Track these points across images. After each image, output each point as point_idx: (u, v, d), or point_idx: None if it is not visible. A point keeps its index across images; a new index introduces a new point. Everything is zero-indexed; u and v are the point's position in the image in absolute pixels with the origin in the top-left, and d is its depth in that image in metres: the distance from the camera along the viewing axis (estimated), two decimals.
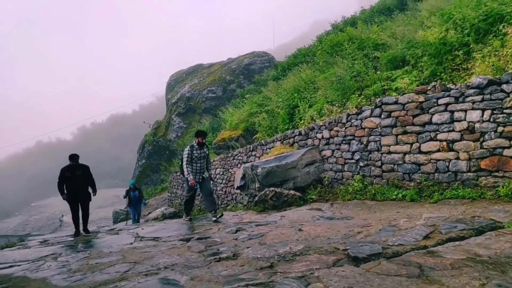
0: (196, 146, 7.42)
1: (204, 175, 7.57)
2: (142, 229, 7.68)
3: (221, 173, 12.89)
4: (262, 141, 11.02)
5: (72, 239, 7.66)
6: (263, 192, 8.01)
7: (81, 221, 8.06)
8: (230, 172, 12.09)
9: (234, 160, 12.08)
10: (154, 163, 27.30)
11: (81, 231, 8.02)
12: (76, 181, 7.69)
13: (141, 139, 31.86)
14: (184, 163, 7.35)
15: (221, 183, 12.77)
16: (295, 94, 11.81)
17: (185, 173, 7.32)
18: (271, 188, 7.95)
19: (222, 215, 7.60)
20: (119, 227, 10.24)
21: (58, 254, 5.57)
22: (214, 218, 7.38)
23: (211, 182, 8.34)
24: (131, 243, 5.91)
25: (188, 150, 7.37)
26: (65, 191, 7.74)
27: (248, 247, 4.27)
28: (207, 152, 7.63)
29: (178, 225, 7.67)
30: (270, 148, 10.16)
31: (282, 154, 8.84)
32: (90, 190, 8.11)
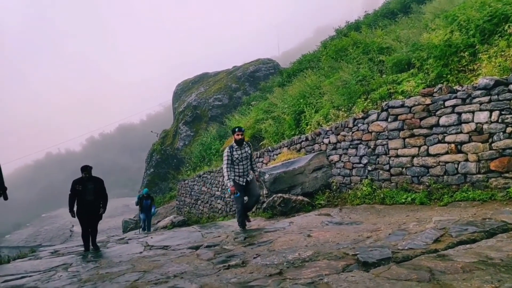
0: (236, 146, 6.59)
1: (248, 178, 6.76)
2: (152, 238, 7.71)
3: None
4: (269, 147, 11.02)
5: (82, 249, 7.72)
6: (271, 199, 8.00)
7: None
8: None
9: None
10: (162, 172, 27.42)
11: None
12: (86, 196, 7.10)
13: (149, 148, 32.07)
14: (224, 167, 6.54)
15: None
16: (301, 100, 11.81)
17: (225, 178, 6.57)
18: (279, 194, 7.93)
19: (249, 221, 7.12)
20: (129, 236, 10.29)
21: (68, 264, 5.62)
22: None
23: (258, 183, 7.38)
24: (141, 252, 5.94)
25: (228, 152, 6.56)
26: (76, 206, 7.17)
27: (257, 254, 4.26)
28: (249, 151, 6.77)
29: (187, 233, 7.68)
30: (277, 154, 10.16)
31: (289, 160, 8.83)
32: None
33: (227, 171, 6.49)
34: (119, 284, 3.73)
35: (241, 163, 6.62)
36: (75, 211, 7.14)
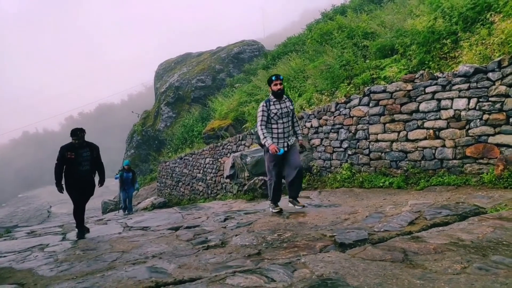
0: (274, 99, 5.22)
1: (289, 141, 5.26)
2: (131, 219, 7.66)
3: (210, 162, 12.88)
4: (252, 130, 11.00)
5: (60, 229, 7.60)
6: (252, 181, 8.04)
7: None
8: (220, 161, 12.08)
9: (224, 150, 12.07)
10: (143, 153, 27.11)
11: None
12: (80, 166, 5.84)
13: (129, 129, 31.54)
14: (258, 125, 5.17)
15: (210, 173, 12.76)
16: (285, 83, 11.71)
17: (261, 137, 5.13)
18: (260, 177, 7.97)
19: (304, 206, 5.40)
20: (108, 217, 10.20)
21: (45, 245, 5.53)
22: (290, 205, 5.46)
23: (301, 151, 5.79)
24: (120, 233, 5.89)
25: (263, 106, 5.19)
26: (65, 180, 5.86)
27: (236, 235, 4.28)
28: (291, 107, 5.31)
29: (167, 214, 7.66)
30: None
31: None
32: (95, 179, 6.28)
33: (262, 130, 5.12)
34: (97, 264, 3.69)
35: (281, 121, 5.19)
36: (63, 185, 5.85)
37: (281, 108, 5.18)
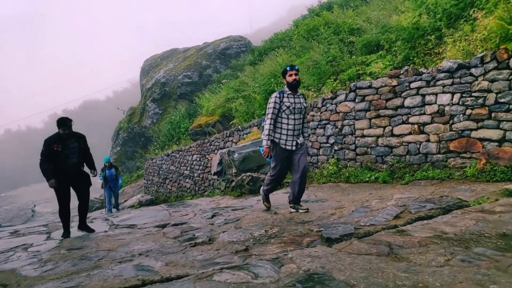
0: (288, 92, 4.75)
1: (299, 140, 4.84)
2: (117, 217, 7.57)
3: (198, 159, 12.81)
4: (239, 126, 10.99)
5: (44, 228, 7.46)
6: (239, 177, 8.03)
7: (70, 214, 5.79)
8: (207, 158, 12.03)
9: (211, 146, 12.02)
10: (129, 150, 26.82)
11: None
12: (69, 158, 5.35)
13: (115, 126, 31.12)
14: (268, 118, 4.72)
15: (198, 170, 12.70)
16: (272, 79, 11.78)
17: (264, 132, 4.78)
18: (248, 173, 7.98)
19: (307, 210, 4.78)
20: (94, 216, 10.06)
21: (29, 244, 5.41)
22: (293, 210, 4.89)
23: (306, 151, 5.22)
24: (106, 231, 5.82)
25: (276, 98, 4.70)
26: (53, 174, 5.31)
27: (224, 231, 4.27)
28: (305, 104, 4.88)
29: (154, 212, 7.60)
30: (247, 134, 10.16)
31: (258, 139, 8.85)
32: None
33: (270, 125, 4.70)
34: (82, 263, 3.64)
35: (292, 116, 4.72)
36: (54, 179, 5.29)
37: (294, 103, 4.73)
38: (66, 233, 5.62)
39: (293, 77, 4.72)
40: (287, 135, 4.73)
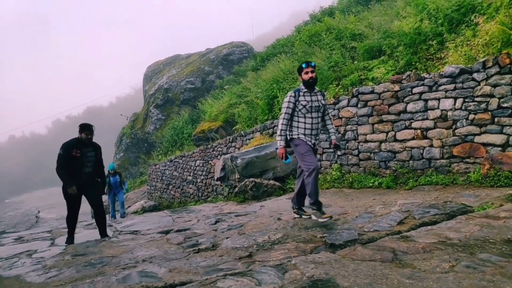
0: (304, 90, 4.48)
1: (316, 140, 4.60)
2: (120, 223, 7.58)
3: (201, 165, 12.83)
4: (242, 132, 11.01)
5: (48, 235, 7.49)
6: (243, 183, 8.03)
7: (76, 223, 5.75)
8: (210, 163, 12.04)
9: (214, 152, 12.04)
10: (133, 156, 26.91)
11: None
12: (84, 166, 5.24)
13: (118, 132, 31.26)
14: (282, 117, 4.50)
15: (201, 175, 12.71)
16: (274, 85, 11.81)
17: (277, 132, 4.55)
18: (251, 179, 7.98)
19: (331, 217, 4.37)
20: None
21: (33, 250, 5.44)
22: (296, 216, 4.78)
23: (334, 150, 4.89)
24: (109, 237, 5.82)
25: (291, 97, 4.46)
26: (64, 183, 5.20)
27: (227, 238, 4.27)
28: (323, 101, 4.60)
29: (157, 218, 7.61)
30: (249, 139, 10.17)
31: (261, 145, 8.86)
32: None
33: (282, 125, 4.48)
34: (86, 270, 3.64)
35: (309, 115, 4.47)
36: (73, 183, 5.16)
37: (311, 101, 4.46)
38: (70, 239, 5.59)
39: (309, 74, 4.42)
40: (304, 134, 4.48)
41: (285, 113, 4.46)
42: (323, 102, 4.59)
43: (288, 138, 4.55)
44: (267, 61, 16.61)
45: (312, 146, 4.49)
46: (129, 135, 28.43)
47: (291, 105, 4.45)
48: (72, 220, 5.52)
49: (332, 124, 4.83)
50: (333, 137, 4.76)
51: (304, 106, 4.43)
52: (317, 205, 4.42)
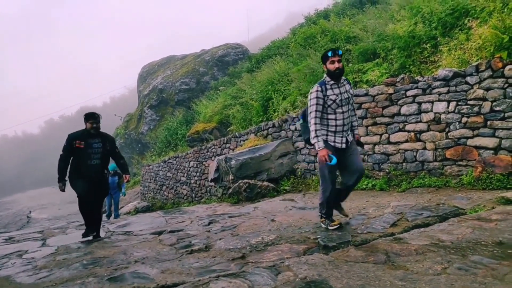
0: (331, 82, 3.91)
1: (348, 137, 4.04)
2: (113, 223, 7.52)
3: (195, 166, 12.78)
4: (236, 133, 10.99)
5: (39, 235, 7.39)
6: (236, 184, 8.01)
7: None
8: (204, 164, 12.00)
9: (208, 153, 12.00)
10: (126, 157, 26.41)
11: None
12: (90, 159, 4.96)
13: (112, 132, 31.06)
14: (312, 117, 3.89)
15: (195, 176, 12.67)
16: (269, 86, 11.81)
17: (312, 134, 3.90)
18: (245, 180, 7.96)
19: (340, 224, 4.03)
20: None
21: (24, 251, 5.36)
22: (328, 220, 4.13)
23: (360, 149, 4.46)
24: (101, 238, 5.77)
25: (317, 92, 3.87)
26: (68, 174, 5.01)
27: (220, 239, 4.26)
28: (351, 91, 4.08)
29: (150, 218, 7.56)
30: (244, 140, 10.15)
31: (256, 146, 8.85)
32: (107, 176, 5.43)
33: (316, 125, 3.87)
34: (77, 270, 3.61)
35: (340, 110, 3.92)
36: (66, 181, 5.04)
37: (340, 93, 3.91)
38: (88, 231, 5.29)
39: (336, 64, 3.85)
40: (335, 131, 3.93)
41: (316, 110, 3.87)
42: (351, 92, 4.07)
43: (312, 142, 3.94)
44: (262, 62, 16.61)
45: (344, 145, 3.95)
46: (122, 135, 28.27)
47: (320, 101, 3.87)
48: (84, 210, 5.26)
49: (356, 115, 4.28)
50: (356, 131, 4.22)
51: (334, 101, 3.87)
52: (328, 216, 4.13)
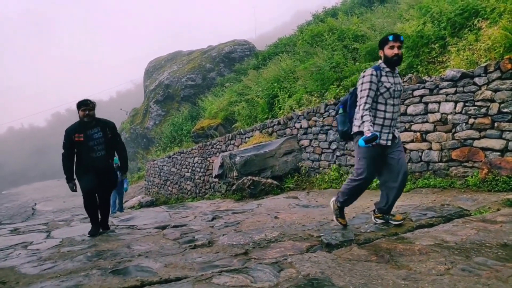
0: (387, 69, 3.53)
1: (395, 133, 3.62)
2: (117, 217, 7.57)
3: (199, 161, 12.82)
4: (241, 130, 10.99)
5: (44, 227, 7.47)
6: (240, 181, 8.03)
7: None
8: (209, 160, 12.03)
9: (213, 149, 12.03)
10: (131, 151, 26.82)
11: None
12: (94, 151, 4.62)
13: (118, 126, 31.17)
14: (363, 102, 3.44)
15: (199, 172, 12.71)
16: (275, 84, 11.80)
17: (357, 120, 3.54)
18: (249, 177, 7.97)
19: (402, 220, 3.75)
20: None
21: (29, 242, 5.41)
22: (378, 221, 3.87)
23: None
24: (109, 230, 5.81)
25: (372, 75, 3.46)
26: (75, 171, 4.70)
27: (223, 235, 4.27)
28: (403, 85, 3.77)
29: (154, 213, 7.59)
30: (249, 137, 10.16)
31: (260, 143, 8.85)
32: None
33: (365, 109, 3.41)
34: (81, 263, 3.64)
35: (391, 102, 3.52)
36: (75, 180, 4.74)
37: (394, 83, 3.52)
38: (95, 229, 5.07)
39: (395, 50, 3.46)
40: (382, 125, 3.51)
41: (367, 96, 3.42)
42: (403, 86, 3.71)
43: (355, 129, 3.58)
44: (269, 60, 16.59)
45: (390, 142, 3.53)
46: (128, 130, 28.41)
47: (374, 86, 3.45)
48: (89, 208, 5.03)
49: (399, 113, 3.87)
50: (397, 129, 3.75)
51: (388, 89, 3.48)
52: (342, 206, 3.93)
